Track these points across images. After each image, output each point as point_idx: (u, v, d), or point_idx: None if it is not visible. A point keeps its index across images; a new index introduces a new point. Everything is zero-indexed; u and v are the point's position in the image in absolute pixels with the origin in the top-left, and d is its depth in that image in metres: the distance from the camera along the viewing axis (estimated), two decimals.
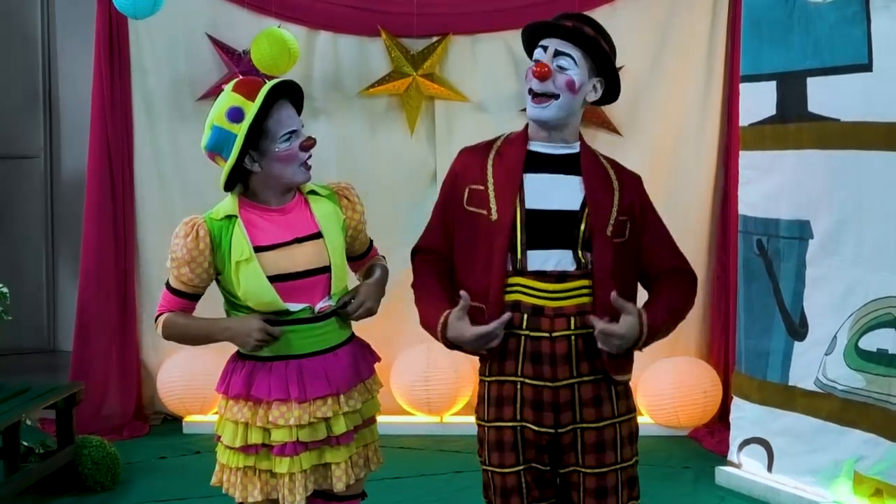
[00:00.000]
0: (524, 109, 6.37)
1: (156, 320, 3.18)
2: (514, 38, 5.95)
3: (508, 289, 2.93)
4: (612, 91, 3.05)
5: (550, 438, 2.95)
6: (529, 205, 2.93)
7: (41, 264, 7.76)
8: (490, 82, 6.12)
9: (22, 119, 7.67)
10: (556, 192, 2.95)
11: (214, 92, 6.09)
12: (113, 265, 6.17)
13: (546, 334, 2.91)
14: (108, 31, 6.05)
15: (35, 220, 7.74)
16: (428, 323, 3.03)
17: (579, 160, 3.00)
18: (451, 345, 2.97)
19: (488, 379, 3.02)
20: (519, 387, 2.95)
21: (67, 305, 7.31)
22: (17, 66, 7.62)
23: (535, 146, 3.00)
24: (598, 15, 5.80)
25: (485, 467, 3.06)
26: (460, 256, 3.04)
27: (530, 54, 3.04)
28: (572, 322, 2.91)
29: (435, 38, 6.05)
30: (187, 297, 3.11)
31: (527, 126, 3.06)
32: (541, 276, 2.91)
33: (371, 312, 3.14)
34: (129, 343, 6.22)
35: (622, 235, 2.96)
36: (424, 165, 6.19)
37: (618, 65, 3.04)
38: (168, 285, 3.12)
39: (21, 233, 7.70)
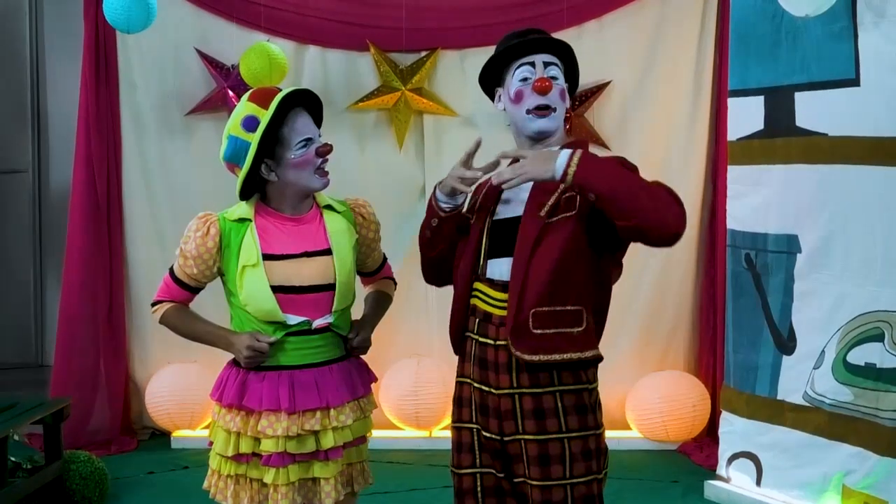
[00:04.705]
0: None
1: (154, 304, 3.22)
2: None
3: (472, 292, 2.97)
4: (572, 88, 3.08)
5: (499, 446, 2.94)
6: (497, 215, 2.96)
7: (29, 279, 7.72)
8: (479, 97, 6.01)
9: (10, 134, 7.65)
10: (519, 200, 2.94)
11: (203, 106, 6.09)
12: (100, 280, 6.14)
13: (491, 342, 2.91)
14: (96, 45, 6.04)
15: (23, 235, 7.70)
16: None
17: None
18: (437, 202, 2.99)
19: (457, 379, 3.06)
20: (472, 389, 2.98)
21: (55, 320, 7.28)
22: (4, 81, 7.60)
23: None
24: (587, 30, 5.79)
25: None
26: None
27: (498, 79, 3.10)
28: None
29: (424, 53, 6.05)
30: (189, 289, 3.17)
31: None
32: (491, 283, 2.92)
33: (366, 351, 3.25)
34: (117, 358, 6.19)
35: (569, 209, 2.85)
36: (413, 180, 6.19)
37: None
38: (172, 273, 3.17)
39: (9, 247, 7.67)
